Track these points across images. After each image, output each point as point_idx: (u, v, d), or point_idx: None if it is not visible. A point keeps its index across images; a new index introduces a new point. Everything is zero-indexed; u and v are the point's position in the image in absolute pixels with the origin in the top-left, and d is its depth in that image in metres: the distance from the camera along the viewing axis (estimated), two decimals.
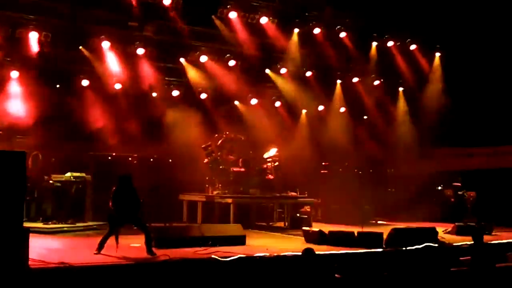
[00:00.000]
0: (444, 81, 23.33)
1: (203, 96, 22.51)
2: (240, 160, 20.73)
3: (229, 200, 19.02)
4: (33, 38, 17.84)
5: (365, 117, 25.21)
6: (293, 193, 20.74)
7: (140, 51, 19.72)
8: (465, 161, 23.31)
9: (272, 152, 21.17)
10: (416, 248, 14.81)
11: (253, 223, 19.61)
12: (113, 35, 19.18)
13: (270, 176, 20.56)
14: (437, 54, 23.51)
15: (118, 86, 20.60)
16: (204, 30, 20.64)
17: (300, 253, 11.72)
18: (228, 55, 21.38)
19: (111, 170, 18.81)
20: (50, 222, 17.19)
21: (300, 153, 22.32)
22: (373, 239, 15.10)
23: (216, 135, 21.20)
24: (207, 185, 20.41)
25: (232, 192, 19.64)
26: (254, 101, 23.56)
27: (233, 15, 19.21)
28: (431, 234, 15.95)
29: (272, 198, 20.39)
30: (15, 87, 18.82)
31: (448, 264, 12.74)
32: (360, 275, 11.42)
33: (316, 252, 11.19)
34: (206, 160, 20.43)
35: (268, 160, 21.09)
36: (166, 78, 21.72)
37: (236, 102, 23.46)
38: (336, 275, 9.94)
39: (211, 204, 19.77)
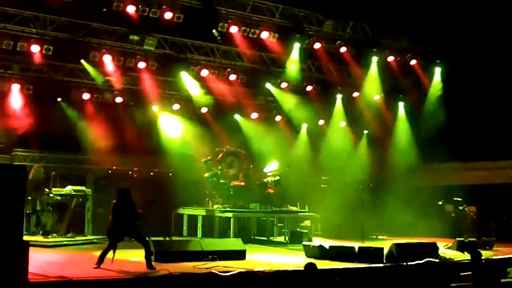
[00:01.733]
0: (444, 95, 23.33)
1: (204, 110, 22.55)
2: (241, 174, 20.74)
3: (229, 214, 18.97)
4: (35, 51, 17.85)
5: (365, 131, 25.24)
6: (293, 208, 20.68)
7: (141, 64, 19.78)
8: (466, 176, 23.28)
9: (273, 166, 21.16)
10: (417, 264, 14.75)
11: (253, 238, 19.56)
12: (114, 49, 19.25)
13: (270, 190, 20.53)
14: (437, 69, 23.55)
15: (119, 99, 20.66)
16: (205, 44, 20.71)
17: (300, 268, 11.68)
18: (228, 69, 21.44)
19: (112, 184, 18.83)
20: (50, 236, 17.16)
21: (300, 167, 22.33)
22: (373, 254, 15.05)
23: (217, 149, 21.22)
24: (207, 199, 20.38)
25: (232, 206, 19.60)
26: (254, 115, 23.61)
27: (234, 29, 19.26)
28: (432, 249, 15.88)
29: (272, 212, 20.34)
30: (16, 100, 18.86)
31: (449, 279, 12.69)
32: None
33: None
34: (206, 174, 20.44)
35: (268, 174, 21.07)
36: (167, 92, 21.77)
37: (237, 116, 23.49)
38: None
39: (211, 218, 19.73)
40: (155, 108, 21.68)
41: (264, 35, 19.86)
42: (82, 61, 19.23)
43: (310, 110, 23.66)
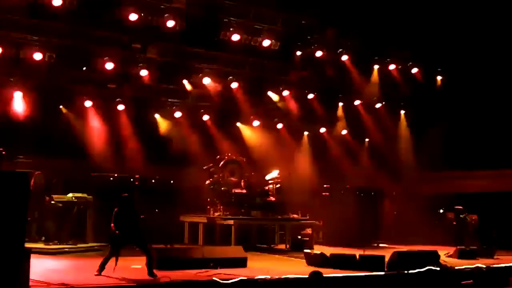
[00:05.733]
0: (446, 103, 23.36)
1: (206, 117, 22.60)
2: (242, 181, 20.74)
3: (231, 222, 18.97)
4: (37, 58, 17.90)
5: (366, 139, 25.27)
6: (295, 215, 20.67)
7: (144, 72, 19.86)
8: (467, 184, 23.26)
9: (274, 174, 21.17)
10: (418, 272, 14.75)
11: (254, 245, 19.56)
12: (116, 56, 19.31)
13: (272, 198, 20.54)
14: (439, 77, 23.60)
15: (121, 107, 20.71)
16: (207, 52, 20.77)
17: (301, 276, 11.66)
18: (230, 77, 21.49)
19: (113, 191, 18.79)
20: (51, 243, 17.13)
21: (301, 175, 22.34)
22: (375, 262, 15.04)
23: (218, 156, 21.24)
24: (208, 207, 20.37)
25: (233, 214, 19.60)
26: (256, 123, 23.64)
27: (236, 37, 19.33)
28: (433, 257, 15.87)
29: (273, 220, 20.33)
30: (18, 107, 18.89)
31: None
32: None
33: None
34: (207, 182, 20.45)
35: (269, 182, 21.08)
36: (169, 100, 21.82)
37: (238, 124, 23.54)
38: None
39: (212, 225, 19.73)
40: (157, 115, 21.73)
41: (266, 43, 19.93)
42: (84, 68, 19.30)
43: (311, 118, 23.72)
